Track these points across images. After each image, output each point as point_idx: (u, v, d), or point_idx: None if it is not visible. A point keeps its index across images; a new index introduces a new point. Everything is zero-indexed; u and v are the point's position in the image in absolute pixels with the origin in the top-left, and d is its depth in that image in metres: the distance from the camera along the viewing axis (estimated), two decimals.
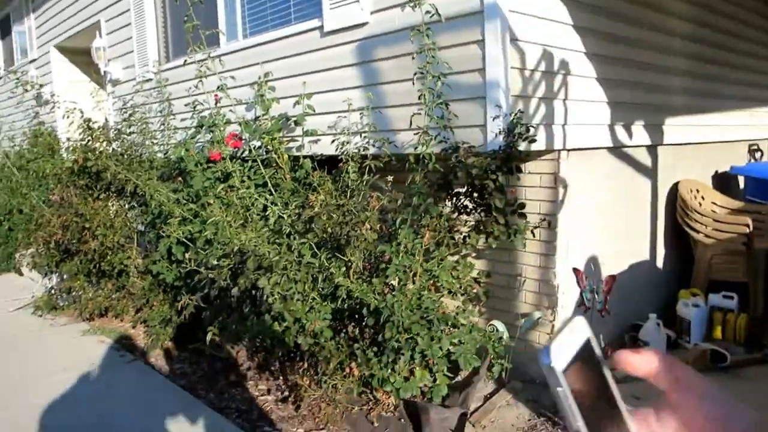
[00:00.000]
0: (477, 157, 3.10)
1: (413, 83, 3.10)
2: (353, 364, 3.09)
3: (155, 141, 5.51)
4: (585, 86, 3.96)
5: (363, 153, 3.67)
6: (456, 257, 3.86)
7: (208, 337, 3.06)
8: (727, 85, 5.74)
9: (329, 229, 2.94)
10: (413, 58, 3.24)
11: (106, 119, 5.98)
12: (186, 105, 4.93)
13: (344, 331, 3.22)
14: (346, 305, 3.26)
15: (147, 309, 5.06)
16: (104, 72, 7.40)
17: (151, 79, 6.18)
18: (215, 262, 3.14)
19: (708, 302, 4.72)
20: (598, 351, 0.51)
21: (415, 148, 3.17)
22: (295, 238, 2.97)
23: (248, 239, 2.86)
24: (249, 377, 4.33)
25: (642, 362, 0.50)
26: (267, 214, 3.23)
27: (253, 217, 3.30)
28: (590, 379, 0.49)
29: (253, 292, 3.09)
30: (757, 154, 6.43)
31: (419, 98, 3.06)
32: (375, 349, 3.12)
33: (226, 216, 3.13)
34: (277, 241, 3.03)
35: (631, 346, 4.41)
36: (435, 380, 3.43)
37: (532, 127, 3.39)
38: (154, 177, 4.76)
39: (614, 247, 4.45)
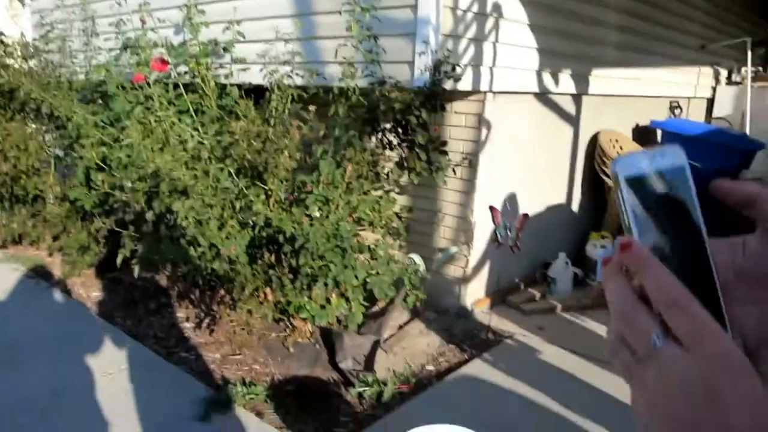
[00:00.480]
0: (401, 92, 3.13)
1: (340, 14, 3.07)
2: (268, 290, 3.13)
3: (76, 61, 5.26)
4: (517, 31, 4.00)
5: (290, 83, 3.63)
6: (380, 192, 3.92)
7: (118, 260, 3.03)
8: (654, 42, 5.90)
9: (249, 156, 2.92)
10: None
11: (22, 34, 5.64)
12: (110, 25, 4.72)
13: (261, 258, 3.24)
14: (264, 233, 3.28)
15: (64, 236, 4.93)
16: None
17: None
18: (130, 185, 3.08)
19: (615, 244, 4.98)
20: (690, 182, 0.46)
21: (341, 80, 3.16)
22: (213, 164, 2.94)
23: (163, 162, 2.81)
24: (169, 305, 4.33)
25: (747, 187, 0.44)
26: (186, 139, 3.17)
27: (172, 142, 3.24)
28: (669, 204, 0.45)
29: (168, 216, 3.06)
30: (677, 111, 6.70)
31: (347, 30, 3.03)
32: (291, 276, 3.17)
33: (144, 139, 3.06)
34: (195, 166, 2.99)
35: (541, 282, 4.64)
36: (351, 309, 3.53)
37: (459, 66, 3.42)
38: (73, 98, 4.58)
39: (533, 189, 4.61)
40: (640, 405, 0.41)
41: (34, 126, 5.24)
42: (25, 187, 5.02)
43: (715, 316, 0.41)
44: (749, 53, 7.05)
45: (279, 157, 2.86)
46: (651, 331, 0.40)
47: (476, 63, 3.72)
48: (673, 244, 0.44)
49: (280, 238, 3.07)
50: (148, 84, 3.82)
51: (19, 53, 4.96)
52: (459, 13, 3.50)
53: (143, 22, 4.35)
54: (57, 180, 5.07)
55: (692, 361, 0.38)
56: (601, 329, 3.98)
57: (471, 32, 3.65)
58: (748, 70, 7.07)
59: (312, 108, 3.28)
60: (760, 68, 8.09)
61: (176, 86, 3.93)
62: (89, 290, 4.64)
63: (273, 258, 3.17)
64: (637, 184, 0.44)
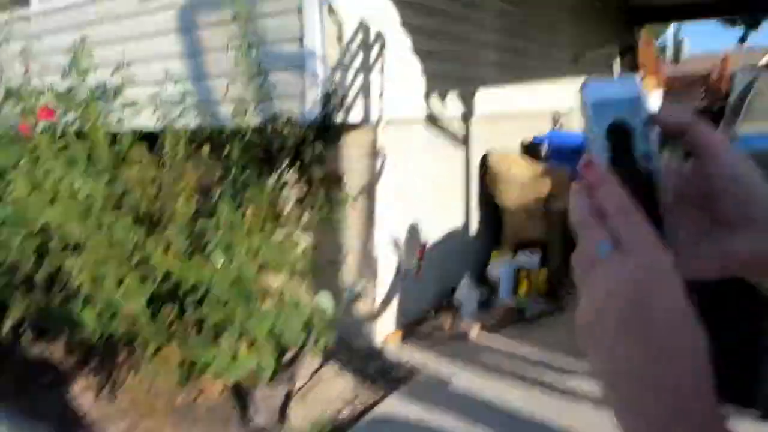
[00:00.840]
0: (294, 127, 3.08)
1: (227, 51, 2.99)
2: (172, 348, 2.96)
3: None
4: (403, 59, 4.08)
5: (184, 126, 3.49)
6: (283, 232, 3.83)
7: (3, 330, 2.77)
8: (531, 59, 6.20)
9: (144, 205, 2.76)
10: (223, 28, 3.11)
11: None
12: None
13: (163, 313, 3.07)
14: (165, 286, 3.11)
15: None
16: None
17: None
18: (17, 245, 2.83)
19: (515, 262, 5.15)
20: (642, 111, 0.50)
21: (233, 120, 3.08)
22: (106, 216, 2.76)
23: (53, 217, 2.61)
24: (67, 377, 3.99)
25: (681, 116, 0.49)
26: (77, 190, 2.96)
27: (62, 195, 3.01)
28: (623, 130, 0.48)
29: (60, 276, 2.83)
30: (559, 123, 7.04)
31: (236, 67, 2.96)
32: (196, 329, 3.02)
33: (31, 194, 2.83)
34: (87, 219, 2.79)
35: (450, 308, 4.68)
36: (261, 360, 3.40)
37: (349, 98, 3.42)
38: None
39: (433, 216, 4.67)
40: (582, 311, 0.44)
41: None
42: None
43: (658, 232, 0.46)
44: (617, 61, 7.54)
45: (174, 203, 2.73)
46: (600, 240, 0.44)
47: (366, 94, 3.75)
48: (626, 166, 0.48)
49: (181, 290, 2.92)
50: (36, 133, 3.57)
51: None
52: (344, 43, 3.51)
53: (27, 69, 4.08)
54: None
55: (629, 265, 0.42)
56: (512, 347, 4.06)
57: (357, 62, 3.68)
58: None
59: (206, 150, 3.16)
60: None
61: (66, 135, 3.69)
62: None
63: (175, 312, 3.01)
64: (600, 109, 0.48)
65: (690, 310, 0.42)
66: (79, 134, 3.66)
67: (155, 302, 3.13)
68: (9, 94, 3.76)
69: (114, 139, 3.62)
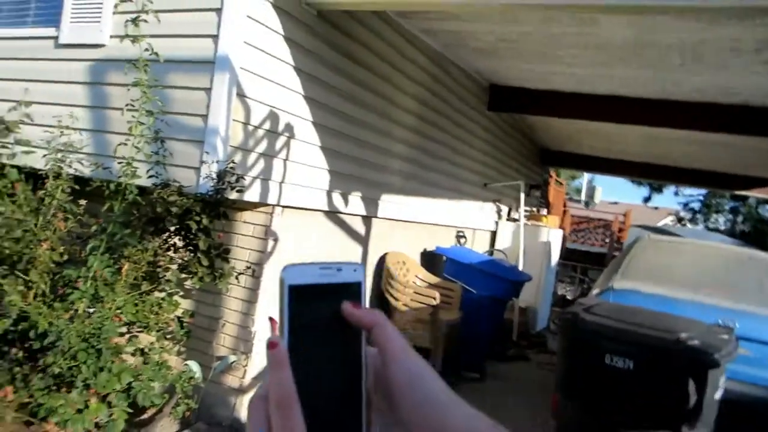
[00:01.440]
0: (182, 197, 3.20)
1: (122, 113, 3.14)
2: (9, 389, 2.90)
3: None
4: (307, 151, 4.30)
5: (75, 173, 3.56)
6: (163, 294, 3.85)
7: None
8: (441, 176, 6.60)
9: (5, 244, 2.78)
10: (132, 89, 3.26)
11: None
12: None
13: (8, 353, 3.02)
14: (19, 326, 3.07)
15: None
16: None
17: None
18: None
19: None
20: (361, 298, 0.52)
21: (119, 177, 3.18)
22: None
23: None
24: None
25: (365, 315, 0.51)
26: None
27: None
28: (333, 316, 0.50)
29: None
30: (462, 240, 7.41)
31: (129, 130, 3.10)
32: (41, 374, 2.97)
33: None
34: None
35: None
36: (112, 415, 3.33)
37: (243, 178, 3.59)
38: None
39: None
40: None
41: None
42: None
43: (357, 418, 0.50)
44: (522, 195, 8.10)
45: (37, 248, 2.76)
46: (257, 424, 0.47)
47: (265, 177, 3.92)
48: (328, 351, 0.50)
49: (32, 334, 2.90)
50: None
51: None
52: (250, 128, 3.72)
53: None
54: None
55: None
56: None
57: (262, 147, 3.87)
58: (521, 209, 8.08)
59: (83, 202, 3.23)
60: (535, 209, 9.27)
61: None
62: None
63: (21, 354, 2.96)
64: (304, 292, 0.49)
65: None
66: None
67: (5, 342, 3.08)
68: None
69: (0, 172, 3.65)
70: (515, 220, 8.54)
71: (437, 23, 5.21)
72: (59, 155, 3.31)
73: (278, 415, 0.46)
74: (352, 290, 0.52)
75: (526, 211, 8.60)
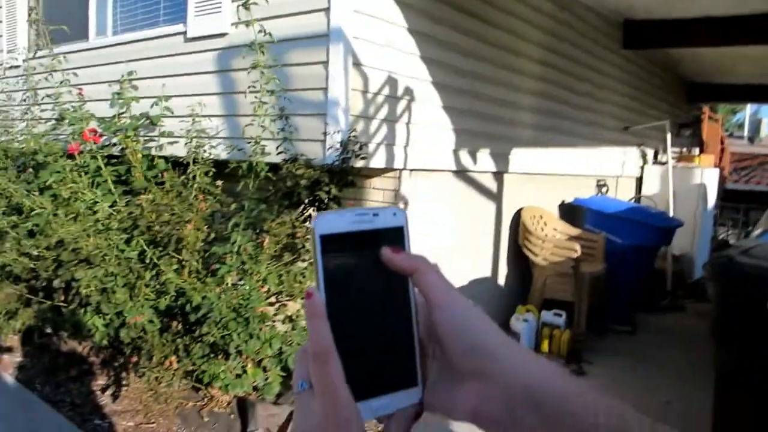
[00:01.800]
0: (309, 169, 3.31)
1: (245, 96, 3.28)
2: (174, 359, 3.20)
3: (16, 130, 5.38)
4: (430, 112, 4.27)
5: (212, 157, 3.80)
6: (305, 264, 4.04)
7: (17, 325, 3.08)
8: (577, 125, 6.29)
9: (156, 227, 3.05)
10: (253, 72, 3.39)
11: None
12: (48, 96, 4.89)
13: (170, 327, 3.32)
14: (178, 302, 3.37)
15: None
16: None
17: (18, 66, 6.03)
18: (35, 253, 3.18)
19: (540, 318, 5.16)
20: (406, 245, 0.50)
21: (250, 157, 3.35)
22: (117, 234, 3.06)
23: (66, 232, 2.93)
24: (90, 372, 4.32)
25: (404, 260, 0.49)
26: (96, 209, 3.30)
27: (83, 212, 3.36)
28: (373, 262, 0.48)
29: (73, 284, 3.14)
30: (604, 189, 7.05)
31: (254, 110, 3.24)
32: (199, 344, 3.25)
33: (58, 209, 3.18)
34: (101, 236, 3.10)
35: None
36: (268, 378, 3.58)
37: (366, 145, 3.64)
38: (8, 166, 4.73)
39: (457, 264, 4.78)
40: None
41: None
42: None
43: (410, 367, 0.48)
44: (668, 135, 7.52)
45: (183, 228, 2.99)
46: (299, 376, 0.47)
47: (390, 142, 3.95)
48: (372, 300, 0.48)
49: (188, 308, 3.17)
50: (81, 153, 3.98)
51: None
52: (369, 96, 3.75)
53: (80, 93, 4.54)
54: None
55: (312, 412, 0.45)
56: None
57: (383, 113, 3.89)
58: (668, 150, 7.51)
59: (220, 183, 3.44)
60: (685, 149, 8.58)
61: (110, 157, 4.09)
62: (12, 355, 4.62)
63: (181, 326, 3.25)
64: (338, 241, 0.46)
65: None
66: (119, 157, 4.05)
67: (166, 316, 3.40)
68: (61, 117, 4.19)
69: (150, 163, 3.98)
70: (663, 164, 7.97)
71: None
72: (194, 142, 3.54)
73: (315, 368, 0.45)
74: (393, 236, 0.49)
75: (674, 152, 7.99)
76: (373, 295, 0.48)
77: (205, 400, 3.81)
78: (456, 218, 4.75)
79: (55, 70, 3.95)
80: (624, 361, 5.00)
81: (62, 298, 3.70)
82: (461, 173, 4.75)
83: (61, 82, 3.90)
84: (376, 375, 0.48)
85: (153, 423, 3.67)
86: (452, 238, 4.72)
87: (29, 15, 3.83)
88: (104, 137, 4.30)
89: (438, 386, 0.50)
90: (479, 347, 0.47)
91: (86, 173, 3.73)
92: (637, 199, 7.75)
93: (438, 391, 0.50)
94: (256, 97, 3.21)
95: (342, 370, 0.45)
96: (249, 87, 3.25)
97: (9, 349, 4.70)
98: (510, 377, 0.46)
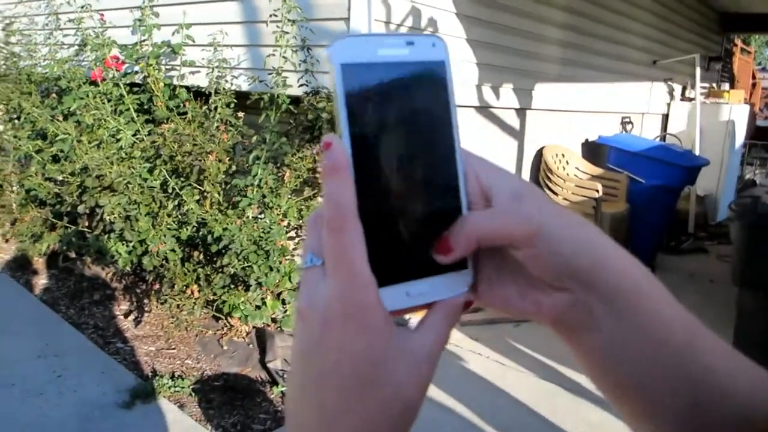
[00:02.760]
0: (330, 102, 3.28)
1: (266, 24, 3.22)
2: (195, 287, 3.28)
3: (38, 54, 5.37)
4: (453, 45, 4.17)
5: (233, 88, 3.78)
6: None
7: (42, 247, 3.17)
8: (601, 58, 6.11)
9: (178, 157, 3.07)
10: (274, 1, 3.33)
11: None
12: (70, 21, 4.85)
13: (192, 256, 3.40)
14: (200, 232, 3.43)
15: (19, 224, 5.06)
16: None
17: None
18: (60, 179, 3.23)
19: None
20: (450, 86, 0.40)
21: (271, 89, 3.32)
22: (140, 163, 3.10)
23: (90, 159, 2.97)
24: (113, 297, 4.47)
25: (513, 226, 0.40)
26: (119, 137, 3.33)
27: (106, 139, 3.39)
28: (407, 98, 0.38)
29: (97, 210, 3.21)
30: (628, 127, 6.92)
31: (275, 40, 3.19)
32: (220, 274, 3.33)
33: (81, 135, 3.21)
34: (124, 164, 3.14)
35: None
36: (286, 311, 3.68)
37: None
38: (31, 91, 4.75)
39: None
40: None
41: None
42: None
43: (450, 215, 0.38)
44: (698, 70, 7.28)
45: (205, 159, 3.02)
46: (309, 248, 0.38)
47: None
48: (406, 153, 0.38)
49: (209, 239, 3.23)
50: (104, 80, 3.99)
51: None
52: (392, 27, 3.67)
53: (102, 20, 4.50)
54: (15, 169, 5.18)
55: (322, 291, 0.35)
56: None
57: None
58: (697, 86, 7.30)
59: (241, 114, 3.43)
60: (715, 84, 8.33)
61: (132, 85, 4.10)
62: (38, 278, 4.77)
63: (202, 256, 3.32)
64: (365, 73, 0.36)
65: (389, 355, 0.36)
66: (141, 85, 4.04)
67: (188, 246, 3.47)
68: (84, 43, 4.17)
69: (172, 92, 3.97)
70: (691, 99, 7.77)
71: None
72: (216, 72, 3.51)
73: (329, 238, 0.35)
74: (432, 72, 0.39)
75: (703, 87, 7.77)
76: (409, 148, 0.38)
77: (225, 329, 3.92)
78: (480, 155, 4.70)
79: None
80: None
81: (86, 223, 3.78)
82: (483, 109, 4.68)
83: (82, 7, 3.85)
84: (412, 252, 0.38)
85: (174, 349, 3.81)
86: None
87: None
88: (126, 65, 4.29)
89: (506, 285, 0.41)
90: (600, 262, 0.39)
91: (109, 101, 3.74)
92: (663, 137, 7.59)
93: (504, 289, 0.41)
94: (277, 26, 3.16)
95: (363, 242, 0.35)
96: (270, 15, 3.18)
97: (35, 272, 4.85)
98: (612, 283, 0.39)
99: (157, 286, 3.51)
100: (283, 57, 3.23)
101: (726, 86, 8.36)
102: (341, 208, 0.35)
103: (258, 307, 3.56)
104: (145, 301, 3.91)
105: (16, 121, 5.20)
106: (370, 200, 0.36)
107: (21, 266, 4.91)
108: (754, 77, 11.15)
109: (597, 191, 5.12)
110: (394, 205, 0.37)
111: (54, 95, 4.55)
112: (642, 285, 0.40)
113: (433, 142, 0.39)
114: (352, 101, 0.36)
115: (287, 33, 3.19)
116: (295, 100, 3.52)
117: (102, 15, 4.57)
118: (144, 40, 4.24)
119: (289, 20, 3.13)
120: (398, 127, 0.37)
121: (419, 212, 0.38)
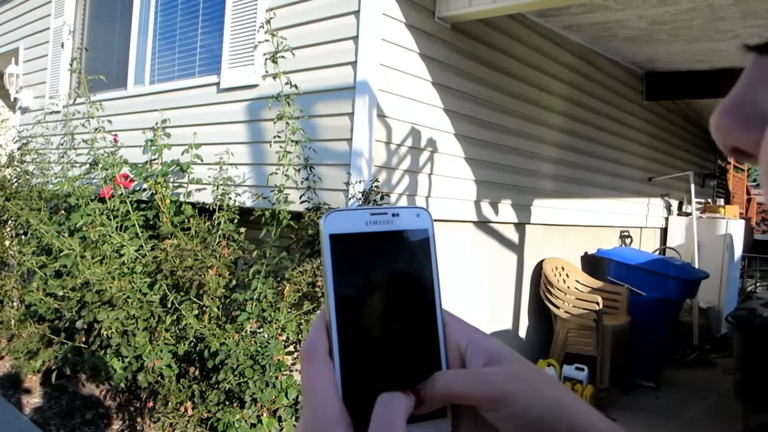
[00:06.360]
0: None
1: (270, 145, 3.36)
2: (189, 404, 3.21)
3: (51, 172, 5.56)
4: (452, 163, 4.32)
5: (237, 205, 3.88)
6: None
7: (36, 364, 3.13)
8: (600, 176, 6.29)
9: (179, 272, 3.10)
10: (279, 122, 3.49)
11: (1, 146, 6.01)
12: (84, 141, 5.06)
13: (188, 372, 3.35)
14: (197, 347, 3.40)
15: (16, 340, 5.01)
16: (14, 98, 7.41)
17: (59, 111, 6.25)
18: (61, 294, 3.25)
19: (562, 373, 5.09)
20: (432, 253, 0.43)
21: (274, 205, 3.41)
22: (141, 278, 3.13)
23: (92, 274, 3.00)
24: (106, 416, 4.35)
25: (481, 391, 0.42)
26: (123, 252, 3.38)
27: (109, 255, 3.44)
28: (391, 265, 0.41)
29: (95, 325, 3.21)
30: (627, 240, 7.00)
31: (279, 159, 3.32)
32: (215, 391, 3.26)
33: (85, 251, 3.27)
34: (125, 279, 3.17)
35: None
36: (282, 429, 3.57)
37: (388, 195, 3.69)
38: (41, 207, 4.87)
39: (478, 315, 4.76)
40: None
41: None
42: None
43: (429, 369, 0.41)
44: (692, 186, 7.47)
45: (205, 274, 3.05)
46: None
47: (411, 192, 4.00)
48: (389, 314, 0.41)
49: (206, 354, 3.20)
50: (113, 198, 4.11)
51: None
52: (392, 147, 3.82)
53: (115, 139, 4.71)
54: (18, 284, 5.20)
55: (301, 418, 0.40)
56: None
57: (406, 164, 3.95)
58: (693, 201, 7.46)
59: (243, 230, 3.50)
60: (710, 200, 8.51)
61: (139, 202, 4.22)
62: (31, 396, 4.67)
63: (198, 372, 3.27)
64: (351, 243, 0.40)
65: None
66: (148, 202, 4.15)
67: (185, 361, 3.43)
68: (95, 161, 4.33)
69: (178, 209, 4.07)
70: (687, 214, 7.91)
71: (581, 17, 5.01)
72: (221, 189, 3.63)
73: (301, 367, 0.40)
74: (417, 240, 0.42)
75: (699, 203, 7.93)
76: (392, 311, 0.41)
77: None
78: (477, 269, 4.74)
79: (92, 117, 4.11)
80: (648, 419, 4.88)
81: (83, 339, 3.77)
82: (483, 224, 4.77)
83: (96, 129, 4.04)
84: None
85: None
86: (473, 290, 4.71)
87: (71, 64, 4.01)
88: (135, 182, 4.43)
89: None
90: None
91: (115, 217, 3.83)
92: (662, 250, 7.66)
93: None
94: (281, 146, 3.29)
95: (331, 371, 0.39)
96: (274, 137, 3.33)
97: (28, 391, 4.76)
98: None
99: (150, 404, 3.43)
100: (285, 175, 3.35)
101: (721, 201, 8.53)
102: (310, 341, 0.40)
103: (253, 425, 3.46)
104: (138, 419, 3.80)
105: (23, 236, 5.30)
106: (354, 357, 0.39)
107: (14, 384, 4.83)
108: (748, 193, 11.39)
109: (598, 304, 5.10)
110: (376, 359, 0.40)
111: (63, 211, 4.66)
112: None
113: (414, 304, 0.42)
114: (337, 269, 0.39)
115: (290, 153, 3.33)
116: (297, 216, 3.60)
117: (116, 135, 4.79)
118: (154, 159, 4.41)
119: (292, 141, 3.27)
120: (381, 289, 0.41)
121: (399, 365, 0.41)
